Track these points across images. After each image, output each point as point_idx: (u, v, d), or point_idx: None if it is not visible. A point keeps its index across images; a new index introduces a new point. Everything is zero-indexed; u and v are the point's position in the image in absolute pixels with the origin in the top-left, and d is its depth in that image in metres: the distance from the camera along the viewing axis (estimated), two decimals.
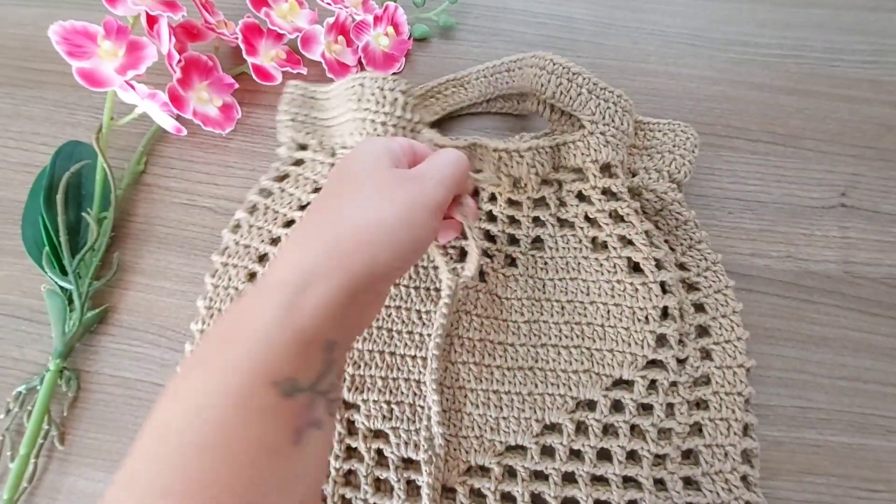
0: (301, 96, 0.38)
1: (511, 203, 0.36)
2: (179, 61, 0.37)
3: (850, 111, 0.41)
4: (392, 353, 0.33)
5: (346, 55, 0.42)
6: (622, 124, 0.35)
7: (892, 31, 0.44)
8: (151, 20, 0.37)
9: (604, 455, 0.32)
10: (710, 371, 0.33)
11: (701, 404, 0.33)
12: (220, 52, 0.41)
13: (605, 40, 0.44)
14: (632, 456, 0.32)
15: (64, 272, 0.35)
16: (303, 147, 0.38)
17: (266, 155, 0.40)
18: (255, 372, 0.19)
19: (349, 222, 0.24)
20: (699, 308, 0.34)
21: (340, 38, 0.42)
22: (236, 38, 0.40)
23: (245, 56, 0.40)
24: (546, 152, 0.35)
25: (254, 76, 0.40)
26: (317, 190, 0.36)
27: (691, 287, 0.35)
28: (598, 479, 0.31)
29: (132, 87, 0.36)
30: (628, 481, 0.31)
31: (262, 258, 0.36)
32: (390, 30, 0.42)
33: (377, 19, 0.42)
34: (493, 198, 0.36)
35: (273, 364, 0.20)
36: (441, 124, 0.41)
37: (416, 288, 0.34)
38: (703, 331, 0.34)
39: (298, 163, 0.38)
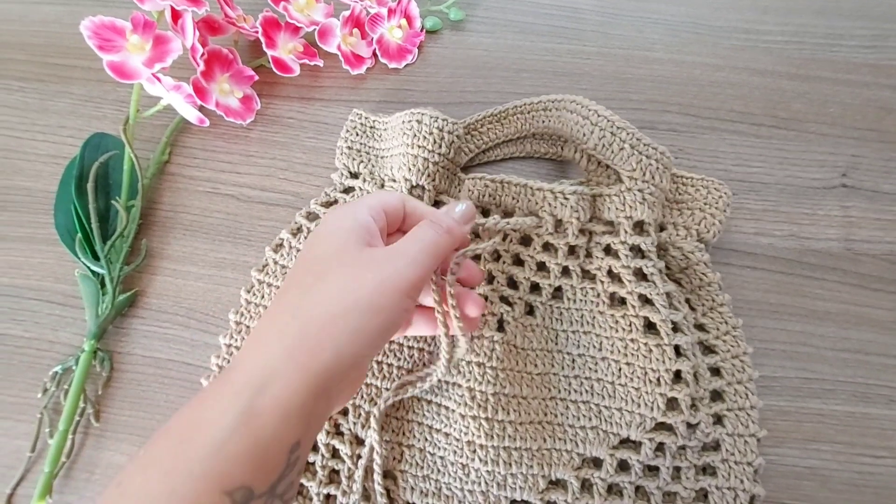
0: (361, 125, 0.39)
1: (546, 248, 0.35)
2: (202, 54, 0.38)
3: (850, 95, 0.43)
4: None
5: (361, 47, 0.43)
6: (661, 181, 0.34)
7: (892, 16, 0.45)
8: (176, 15, 0.38)
9: None
10: (721, 437, 0.32)
11: (708, 470, 0.32)
12: (240, 46, 0.42)
13: (610, 29, 0.45)
14: None
15: (96, 257, 0.37)
16: (354, 175, 0.39)
17: (285, 144, 0.42)
18: (208, 479, 0.18)
19: (311, 314, 0.23)
20: (715, 372, 0.34)
21: (356, 30, 0.43)
22: (256, 32, 0.41)
23: (264, 49, 0.41)
24: (587, 200, 0.34)
25: (273, 68, 0.42)
26: None
27: (708, 350, 0.34)
28: None
29: (158, 79, 0.37)
30: None
31: None
32: (403, 22, 0.44)
33: (391, 12, 0.43)
34: (525, 241, 0.35)
35: (228, 473, 0.19)
36: (480, 166, 0.41)
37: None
38: (717, 395, 0.33)
39: (348, 190, 0.39)
